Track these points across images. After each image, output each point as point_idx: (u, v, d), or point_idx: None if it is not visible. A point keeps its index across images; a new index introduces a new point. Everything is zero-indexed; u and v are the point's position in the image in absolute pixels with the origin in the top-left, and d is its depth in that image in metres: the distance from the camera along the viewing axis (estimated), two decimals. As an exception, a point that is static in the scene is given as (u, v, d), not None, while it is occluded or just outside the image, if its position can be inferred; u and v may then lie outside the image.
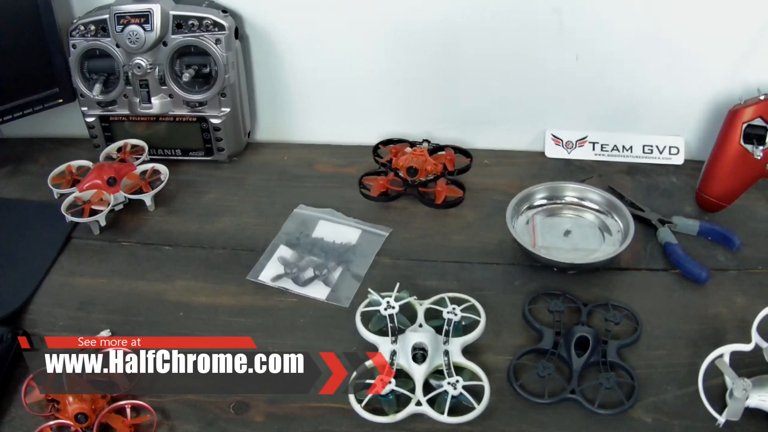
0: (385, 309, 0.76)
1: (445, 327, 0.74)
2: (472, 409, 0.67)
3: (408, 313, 0.77)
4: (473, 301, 0.77)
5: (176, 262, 0.88)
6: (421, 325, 0.74)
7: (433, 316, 0.76)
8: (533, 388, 0.70)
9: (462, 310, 0.76)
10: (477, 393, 0.68)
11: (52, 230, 0.92)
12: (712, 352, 0.68)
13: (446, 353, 0.72)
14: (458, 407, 0.68)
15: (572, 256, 0.85)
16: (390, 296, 0.77)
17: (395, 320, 0.75)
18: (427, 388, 0.70)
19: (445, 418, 0.67)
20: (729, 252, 0.86)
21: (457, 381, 0.69)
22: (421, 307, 0.77)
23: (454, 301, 0.77)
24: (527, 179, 0.95)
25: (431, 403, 0.68)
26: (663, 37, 0.95)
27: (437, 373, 0.71)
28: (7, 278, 0.85)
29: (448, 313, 0.76)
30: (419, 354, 0.71)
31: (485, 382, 0.69)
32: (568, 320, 0.77)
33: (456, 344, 0.73)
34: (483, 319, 0.75)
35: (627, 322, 0.77)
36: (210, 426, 0.69)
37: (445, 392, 0.68)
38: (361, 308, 0.78)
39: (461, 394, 0.68)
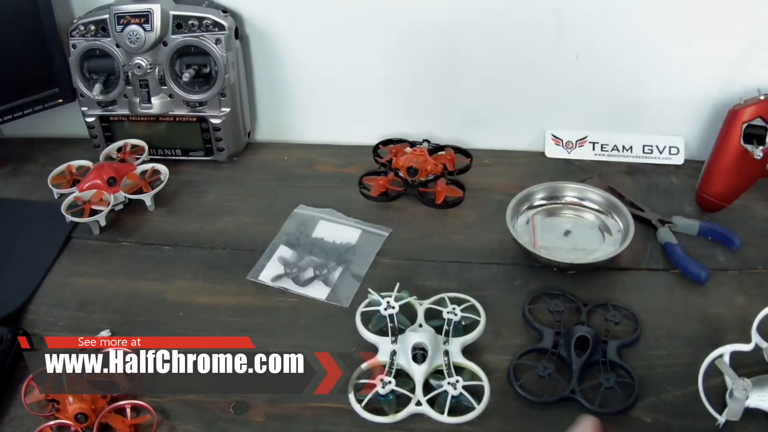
0: (385, 309, 0.76)
1: (445, 327, 0.74)
2: (472, 409, 0.67)
3: (408, 313, 0.77)
4: (473, 301, 0.77)
5: (176, 262, 0.88)
6: (421, 325, 0.74)
7: (433, 316, 0.76)
8: (533, 388, 0.70)
9: (462, 310, 0.76)
10: (477, 393, 0.68)
11: (52, 230, 0.92)
12: (712, 352, 0.68)
13: (446, 353, 0.72)
14: (458, 407, 0.68)
15: (572, 256, 0.85)
16: (390, 296, 0.77)
17: (395, 320, 0.75)
18: (427, 388, 0.70)
19: (445, 418, 0.67)
20: (729, 252, 0.86)
21: (457, 381, 0.69)
22: (421, 307, 0.77)
23: (454, 301, 0.77)
24: (527, 179, 0.95)
25: (431, 403, 0.68)
26: (663, 37, 0.95)
27: (437, 373, 0.71)
28: (7, 278, 0.85)
29: (448, 313, 0.76)
30: (419, 354, 0.71)
31: (485, 382, 0.69)
32: (568, 320, 0.77)
33: (456, 344, 0.73)
34: (483, 319, 0.75)
35: (627, 322, 0.77)
36: (210, 426, 0.69)
37: (445, 392, 0.68)
38: (361, 308, 0.78)
39: (461, 394, 0.68)
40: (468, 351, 0.74)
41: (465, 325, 0.76)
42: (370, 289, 0.78)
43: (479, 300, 0.78)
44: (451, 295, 0.78)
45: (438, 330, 0.74)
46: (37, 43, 0.98)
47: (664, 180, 0.99)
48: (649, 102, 1.01)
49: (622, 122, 1.03)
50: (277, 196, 0.98)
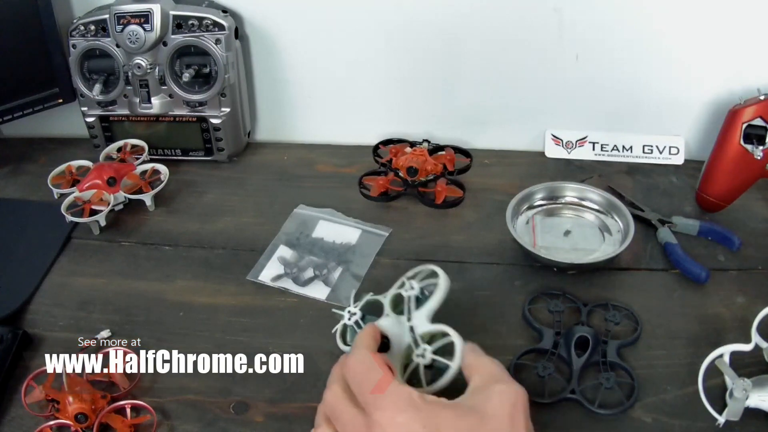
0: (349, 319, 0.73)
1: (406, 306, 0.69)
2: (447, 367, 0.63)
3: (379, 312, 0.72)
4: (432, 267, 0.71)
5: (176, 262, 0.88)
6: (388, 315, 0.70)
7: (398, 302, 0.71)
8: (533, 388, 0.70)
9: (420, 281, 0.70)
10: (450, 352, 0.64)
11: (52, 230, 0.92)
12: (712, 352, 0.68)
13: (411, 329, 0.67)
14: (436, 374, 0.64)
15: (572, 256, 0.85)
16: (349, 305, 0.73)
17: (362, 324, 0.71)
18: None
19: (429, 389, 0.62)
20: (729, 252, 0.86)
21: (425, 349, 0.65)
22: (386, 299, 0.72)
23: (411, 278, 0.72)
24: (527, 179, 0.95)
25: (410, 381, 0.64)
26: (663, 36, 0.95)
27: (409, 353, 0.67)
28: (7, 278, 0.85)
29: (405, 291, 0.70)
30: (383, 343, 0.66)
31: (456, 339, 0.64)
32: (568, 320, 0.77)
33: (419, 316, 0.68)
34: (443, 279, 0.69)
35: (627, 322, 0.77)
36: (210, 426, 0.69)
37: (417, 366, 0.64)
38: (337, 329, 0.74)
39: (433, 360, 0.64)
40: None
41: (428, 295, 0.69)
42: (333, 309, 0.75)
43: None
44: (409, 273, 0.73)
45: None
46: (37, 43, 0.98)
47: (664, 180, 0.99)
48: (649, 102, 1.01)
49: (622, 122, 1.03)
50: (277, 196, 0.98)
